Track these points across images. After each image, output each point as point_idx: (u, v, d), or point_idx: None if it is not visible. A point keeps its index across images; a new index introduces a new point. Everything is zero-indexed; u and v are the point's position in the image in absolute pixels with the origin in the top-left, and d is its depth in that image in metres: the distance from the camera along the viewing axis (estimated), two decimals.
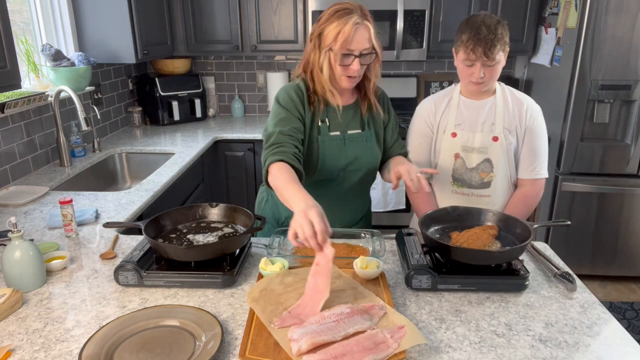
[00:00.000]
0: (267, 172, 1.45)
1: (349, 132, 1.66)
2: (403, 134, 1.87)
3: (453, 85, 1.85)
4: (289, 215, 1.72)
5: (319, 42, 1.53)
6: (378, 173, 1.82)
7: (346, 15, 1.47)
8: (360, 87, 1.66)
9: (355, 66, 1.50)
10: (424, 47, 3.25)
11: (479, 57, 1.62)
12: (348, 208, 1.76)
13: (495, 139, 1.75)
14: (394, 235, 1.58)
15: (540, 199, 1.85)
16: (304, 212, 1.18)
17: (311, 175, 1.65)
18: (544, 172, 1.81)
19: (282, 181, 1.36)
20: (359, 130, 1.68)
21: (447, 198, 1.85)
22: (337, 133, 1.65)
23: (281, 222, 1.79)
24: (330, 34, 1.48)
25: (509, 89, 1.80)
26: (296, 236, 1.18)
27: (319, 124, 1.64)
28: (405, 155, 1.77)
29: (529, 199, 1.81)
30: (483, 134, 1.76)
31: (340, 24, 1.46)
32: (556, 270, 1.38)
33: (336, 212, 1.70)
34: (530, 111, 1.77)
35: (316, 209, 1.19)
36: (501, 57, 1.66)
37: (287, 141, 1.50)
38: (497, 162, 1.76)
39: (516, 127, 1.76)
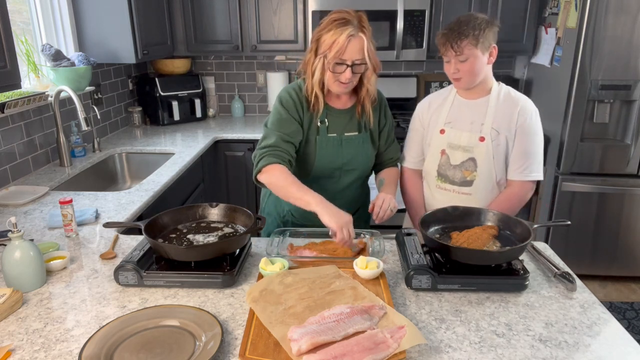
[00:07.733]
0: (259, 170, 1.61)
1: (346, 134, 1.73)
2: (402, 134, 1.88)
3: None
4: (291, 209, 1.80)
5: (316, 47, 1.59)
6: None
7: (342, 25, 1.52)
8: (358, 93, 1.71)
9: (347, 75, 1.56)
10: (423, 47, 3.24)
11: (448, 50, 1.63)
12: (345, 201, 1.78)
13: (481, 139, 1.73)
14: (394, 235, 1.58)
15: (538, 200, 1.83)
16: (346, 222, 1.43)
17: (308, 173, 1.73)
18: (535, 175, 1.74)
19: (290, 181, 1.54)
20: (356, 133, 1.74)
21: (432, 192, 1.88)
22: (335, 135, 1.72)
23: (283, 215, 1.85)
24: (326, 42, 1.54)
25: (506, 89, 1.76)
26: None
27: (318, 124, 1.70)
28: (397, 161, 1.85)
29: (513, 200, 1.75)
30: (470, 134, 1.74)
31: (335, 33, 1.52)
32: (556, 270, 1.38)
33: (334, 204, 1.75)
34: (523, 112, 1.70)
35: (350, 219, 1.45)
36: (475, 53, 1.61)
37: (284, 147, 1.62)
38: (481, 162, 1.74)
39: (505, 129, 1.71)
